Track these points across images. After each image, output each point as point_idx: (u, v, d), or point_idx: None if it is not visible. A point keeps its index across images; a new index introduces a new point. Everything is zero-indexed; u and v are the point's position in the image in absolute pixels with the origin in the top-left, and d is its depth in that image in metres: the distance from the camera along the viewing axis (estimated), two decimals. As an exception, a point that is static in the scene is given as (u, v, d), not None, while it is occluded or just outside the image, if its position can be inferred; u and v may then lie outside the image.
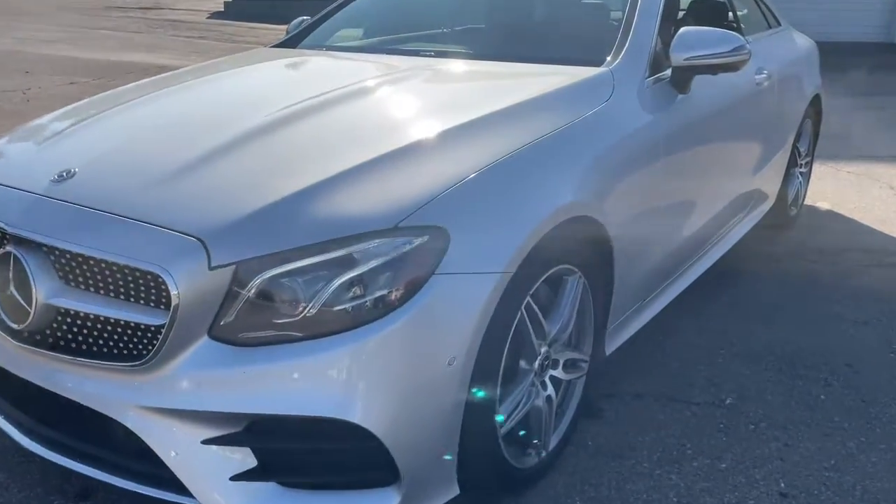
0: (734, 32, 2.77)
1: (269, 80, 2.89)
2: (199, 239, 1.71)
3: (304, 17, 3.73)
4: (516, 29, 3.17)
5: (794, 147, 4.35)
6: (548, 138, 2.18)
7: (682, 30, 2.73)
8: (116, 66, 9.97)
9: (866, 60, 11.04)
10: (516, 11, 3.36)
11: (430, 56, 2.91)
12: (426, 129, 2.11)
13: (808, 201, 4.91)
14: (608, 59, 2.65)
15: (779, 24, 4.45)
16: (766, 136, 3.76)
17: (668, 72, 2.76)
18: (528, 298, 2.00)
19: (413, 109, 2.39)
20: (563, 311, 2.20)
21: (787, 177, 4.35)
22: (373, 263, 1.71)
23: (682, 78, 2.76)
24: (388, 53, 3.10)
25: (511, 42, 3.04)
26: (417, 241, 1.74)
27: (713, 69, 2.74)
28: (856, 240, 4.42)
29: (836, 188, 5.41)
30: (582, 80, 2.49)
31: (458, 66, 2.82)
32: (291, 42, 3.46)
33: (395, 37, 3.38)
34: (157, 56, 10.92)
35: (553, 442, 2.28)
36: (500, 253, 1.85)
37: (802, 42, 4.60)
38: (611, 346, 2.58)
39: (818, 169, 5.59)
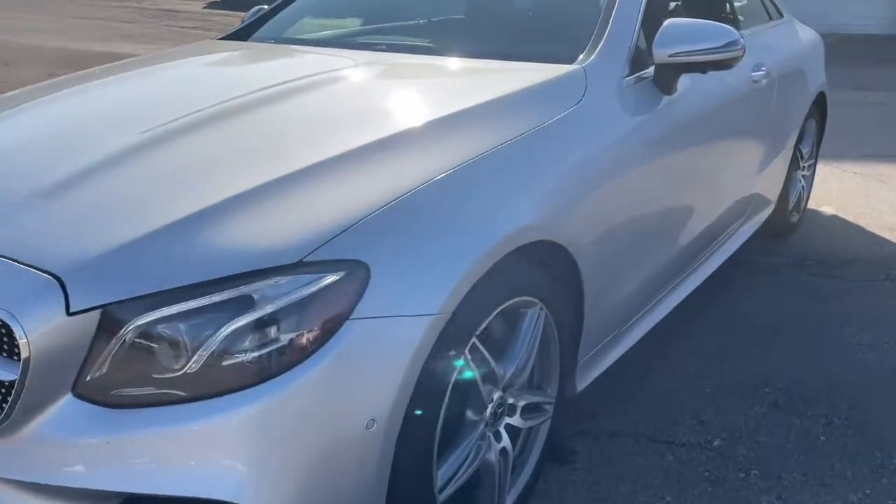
0: (727, 25, 2.45)
1: (191, 79, 2.56)
2: (54, 276, 1.40)
3: (262, 6, 3.41)
4: (481, 22, 2.85)
5: (797, 149, 4.02)
6: (503, 149, 1.86)
7: (666, 22, 2.41)
8: (103, 57, 9.64)
9: (872, 53, 10.69)
10: (483, 2, 3.04)
11: (382, 51, 2.59)
12: (354, 139, 1.79)
13: (810, 205, 4.59)
14: (581, 55, 2.33)
15: (781, 15, 4.12)
16: (765, 139, 3.44)
17: (652, 70, 2.44)
18: (474, 339, 1.69)
19: (344, 115, 2.05)
20: (520, 350, 1.89)
21: (789, 181, 4.03)
22: (271, 307, 1.40)
23: (667, 77, 2.44)
24: (342, 47, 2.78)
25: (475, 36, 2.72)
26: (329, 279, 1.43)
27: (702, 67, 2.42)
28: (862, 249, 4.09)
29: (840, 191, 5.08)
30: (548, 79, 2.17)
31: (410, 63, 2.50)
32: (243, 33, 3.14)
33: (354, 29, 3.07)
34: (149, 47, 10.58)
35: (510, 500, 1.97)
36: (435, 290, 1.54)
37: (806, 35, 4.26)
38: (583, 382, 2.27)
39: (822, 169, 5.26)
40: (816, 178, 4.68)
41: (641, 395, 2.64)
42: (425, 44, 2.68)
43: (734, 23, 3.41)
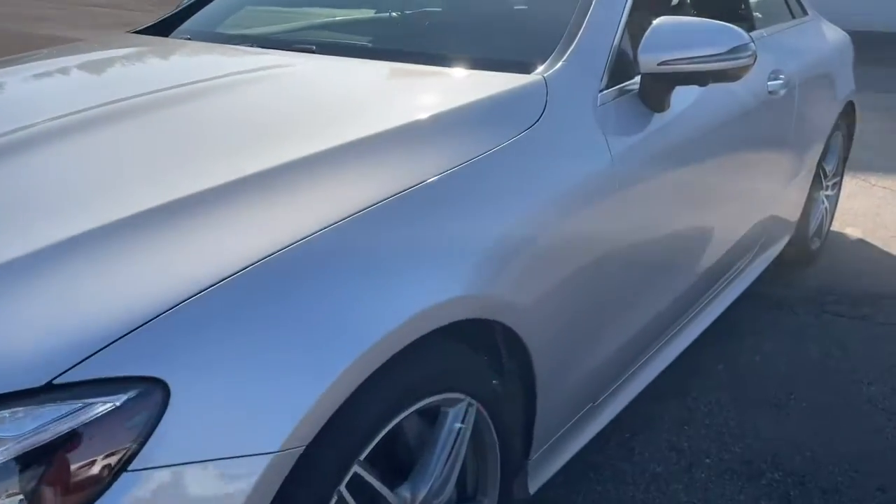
0: (733, 26, 1.94)
1: (50, 86, 2.06)
2: None
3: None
4: (433, 20, 2.35)
5: (819, 167, 3.50)
6: (416, 193, 1.37)
7: (656, 21, 1.90)
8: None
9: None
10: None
11: (311, 52, 2.08)
12: (201, 176, 1.30)
13: (834, 226, 4.06)
14: (545, 62, 1.82)
15: (805, 12, 3.59)
16: (782, 160, 2.92)
17: (637, 80, 1.95)
18: (357, 468, 1.20)
19: (199, 140, 1.53)
20: (436, 464, 1.40)
21: (810, 203, 3.51)
22: (5, 451, 0.92)
23: (657, 90, 1.93)
24: (265, 46, 2.27)
25: (421, 36, 2.22)
26: (100, 409, 0.95)
27: (701, 78, 1.92)
28: (893, 283, 3.56)
29: (868, 210, 4.53)
30: (491, 95, 1.67)
31: (328, 68, 1.98)
32: (165, 25, 2.65)
33: (292, 25, 2.57)
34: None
35: None
36: (277, 415, 1.05)
37: (834, 36, 3.72)
38: (539, 480, 1.78)
39: (847, 183, 4.72)
40: (841, 193, 4.15)
41: (618, 484, 2.14)
42: (363, 43, 2.18)
43: (749, 22, 2.89)
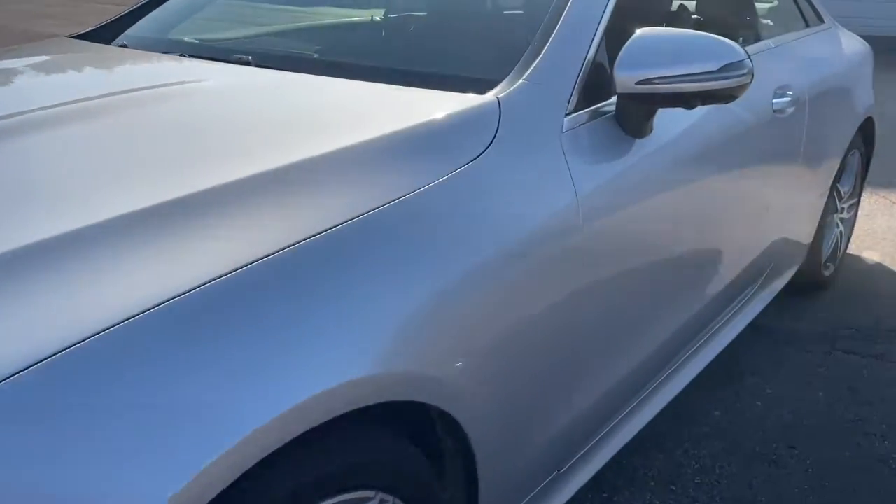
0: (727, 40, 1.67)
1: None
2: None
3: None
4: (389, 29, 2.09)
5: (834, 189, 3.21)
6: (316, 245, 1.12)
7: (636, 33, 1.64)
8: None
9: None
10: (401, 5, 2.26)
11: (246, 63, 1.84)
12: (40, 222, 1.06)
13: (851, 248, 3.77)
14: (503, 80, 1.57)
15: (821, 20, 3.31)
16: (790, 184, 2.65)
17: (614, 101, 1.69)
18: None
19: (57, 174, 1.25)
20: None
21: (823, 227, 3.23)
22: None
23: (635, 112, 1.68)
24: (198, 57, 1.99)
25: (372, 49, 1.96)
26: None
27: (687, 100, 1.65)
28: (912, 315, 3.28)
29: (889, 230, 4.23)
30: (429, 121, 1.41)
31: (250, 83, 1.72)
32: (112, 28, 2.42)
33: (242, 34, 2.33)
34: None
35: None
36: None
37: (852, 46, 3.43)
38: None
39: (866, 200, 4.43)
40: (860, 211, 3.86)
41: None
42: (305, 55, 1.93)
43: (754, 31, 2.62)
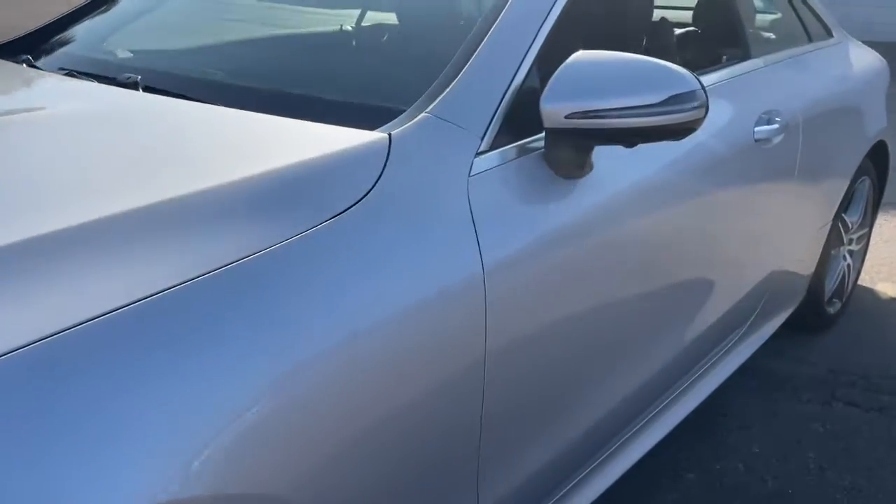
0: (676, 67, 1.42)
1: None
2: None
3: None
4: (294, 54, 1.84)
5: (838, 219, 2.93)
6: (101, 327, 0.90)
7: (570, 59, 1.40)
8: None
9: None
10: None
11: (130, 85, 1.61)
12: None
13: (863, 279, 3.47)
14: (403, 113, 1.33)
15: (829, 34, 3.02)
16: (781, 219, 2.37)
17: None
18: None
19: None
20: None
21: (825, 261, 2.94)
22: None
23: (566, 151, 1.43)
24: (95, 75, 1.79)
25: (271, 74, 1.70)
26: None
27: (625, 137, 1.40)
28: (925, 359, 2.97)
29: (907, 260, 3.93)
30: (288, 165, 1.17)
31: (115, 111, 1.47)
32: (34, 39, 2.21)
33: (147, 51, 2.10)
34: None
35: None
36: None
37: (863, 62, 3.13)
38: None
39: (884, 225, 4.12)
40: (876, 237, 3.55)
41: None
42: (197, 77, 1.70)
43: (742, 48, 2.35)
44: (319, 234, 1.08)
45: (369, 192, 1.17)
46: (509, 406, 1.37)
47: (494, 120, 1.39)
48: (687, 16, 2.82)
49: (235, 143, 1.28)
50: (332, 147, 1.21)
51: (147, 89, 1.58)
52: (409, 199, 1.22)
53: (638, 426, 1.94)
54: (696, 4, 2.76)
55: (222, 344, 0.95)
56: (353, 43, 1.80)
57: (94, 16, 2.30)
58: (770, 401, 2.62)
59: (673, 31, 2.39)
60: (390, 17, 2.00)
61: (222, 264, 0.98)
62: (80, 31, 2.22)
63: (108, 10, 2.31)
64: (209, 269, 0.97)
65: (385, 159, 1.23)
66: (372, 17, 2.02)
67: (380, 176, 1.20)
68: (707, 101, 1.42)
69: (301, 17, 2.49)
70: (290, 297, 1.01)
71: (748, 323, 2.44)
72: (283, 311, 1.00)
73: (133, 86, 1.60)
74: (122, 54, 1.91)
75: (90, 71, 1.74)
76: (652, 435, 2.01)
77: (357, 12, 2.32)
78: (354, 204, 1.14)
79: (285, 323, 1.00)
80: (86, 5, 2.33)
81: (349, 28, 2.05)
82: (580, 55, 1.41)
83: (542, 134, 1.44)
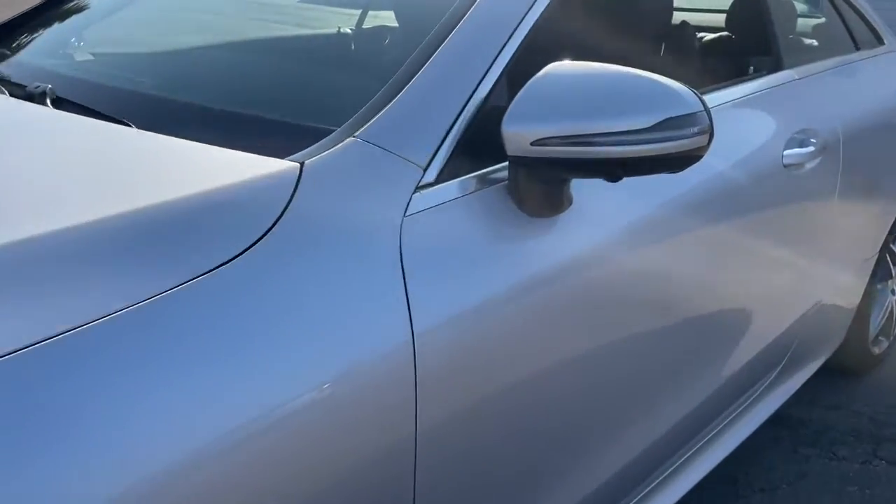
0: (672, 82, 1.14)
1: None
2: None
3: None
4: (232, 69, 1.57)
5: (887, 250, 2.60)
6: None
7: (542, 71, 1.13)
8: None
9: None
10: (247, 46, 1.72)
11: (37, 97, 1.38)
12: None
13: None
14: (328, 136, 1.08)
15: (880, 41, 2.69)
16: (817, 251, 2.06)
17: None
18: None
19: None
20: None
21: (871, 296, 2.62)
22: None
23: (533, 185, 1.16)
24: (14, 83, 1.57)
25: (206, 92, 1.45)
26: None
27: (606, 168, 1.13)
28: (983, 410, 2.62)
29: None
30: (163, 202, 0.92)
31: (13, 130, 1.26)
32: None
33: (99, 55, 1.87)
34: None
35: None
36: None
37: (920, 73, 2.79)
38: None
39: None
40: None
41: None
42: (117, 88, 1.46)
43: (774, 57, 2.05)
44: (198, 288, 0.84)
45: (262, 237, 0.92)
46: None
47: (444, 145, 1.13)
48: (719, 19, 2.54)
49: (109, 175, 1.04)
50: (224, 180, 0.96)
51: (56, 101, 1.35)
52: (318, 246, 0.96)
53: (636, 499, 1.66)
54: (730, 6, 2.47)
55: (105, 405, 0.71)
56: (292, 53, 1.55)
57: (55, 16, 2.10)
58: (799, 458, 2.31)
59: (695, 38, 2.10)
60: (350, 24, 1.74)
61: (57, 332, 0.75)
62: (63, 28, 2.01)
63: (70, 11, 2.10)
64: (44, 337, 0.74)
65: (291, 195, 0.97)
66: (326, 25, 1.77)
67: (279, 217, 0.95)
68: (711, 125, 1.14)
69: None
70: (184, 353, 0.77)
71: (775, 372, 2.13)
72: (174, 371, 0.76)
73: (38, 98, 1.37)
74: (48, 60, 1.68)
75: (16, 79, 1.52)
76: (669, 495, 1.73)
77: (357, 13, 2.09)
78: (247, 249, 0.89)
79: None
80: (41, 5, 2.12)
81: (295, 35, 1.80)
82: (554, 67, 1.14)
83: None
